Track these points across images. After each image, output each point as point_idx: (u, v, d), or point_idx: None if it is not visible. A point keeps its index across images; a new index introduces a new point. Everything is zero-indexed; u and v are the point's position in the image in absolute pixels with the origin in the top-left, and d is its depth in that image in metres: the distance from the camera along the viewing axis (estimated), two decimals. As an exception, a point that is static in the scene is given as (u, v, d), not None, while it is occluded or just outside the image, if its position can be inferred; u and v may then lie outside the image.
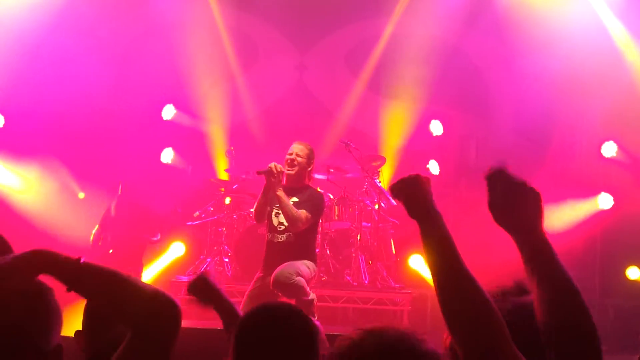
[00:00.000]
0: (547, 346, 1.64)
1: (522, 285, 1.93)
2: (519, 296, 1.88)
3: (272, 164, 6.03)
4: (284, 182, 6.39)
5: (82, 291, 1.65)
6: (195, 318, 7.48)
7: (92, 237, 7.87)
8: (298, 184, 6.22)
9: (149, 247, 8.43)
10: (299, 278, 5.94)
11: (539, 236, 1.66)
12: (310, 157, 6.22)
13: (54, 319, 1.57)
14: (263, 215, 6.19)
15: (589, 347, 1.65)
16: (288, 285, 5.90)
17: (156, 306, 1.66)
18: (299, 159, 6.17)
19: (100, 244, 7.85)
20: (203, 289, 3.01)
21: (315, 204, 6.21)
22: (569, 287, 1.66)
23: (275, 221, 6.20)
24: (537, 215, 1.67)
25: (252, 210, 8.40)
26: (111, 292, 1.66)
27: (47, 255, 1.61)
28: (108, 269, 1.67)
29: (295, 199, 6.15)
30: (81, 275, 1.63)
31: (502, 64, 9.27)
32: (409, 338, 1.51)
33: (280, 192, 6.03)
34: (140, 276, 7.85)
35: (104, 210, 8.05)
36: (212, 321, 4.65)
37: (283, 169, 6.09)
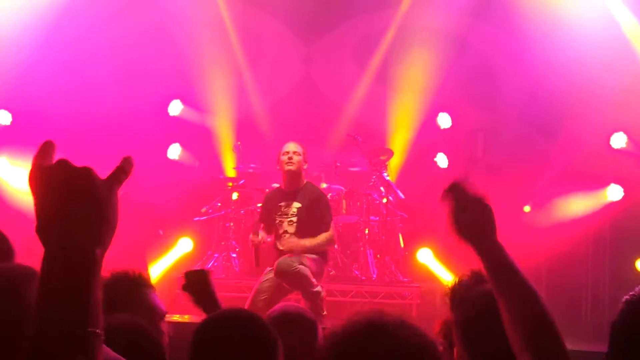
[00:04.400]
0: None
1: (479, 275, 2.08)
2: (480, 285, 2.06)
3: (251, 240, 6.24)
4: (283, 186, 6.41)
5: None
6: (197, 313, 7.51)
7: None
8: (297, 184, 6.25)
9: (154, 243, 8.44)
10: (302, 266, 5.91)
11: (496, 245, 1.78)
12: (305, 155, 6.30)
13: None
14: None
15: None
16: (290, 273, 5.88)
17: None
18: (296, 156, 6.20)
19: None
20: (199, 287, 2.87)
21: (324, 212, 6.25)
22: (529, 295, 1.75)
23: (280, 230, 6.24)
24: (492, 227, 1.80)
25: (259, 205, 8.45)
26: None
27: None
28: None
29: (298, 205, 6.17)
30: None
31: (510, 55, 9.20)
32: (404, 330, 1.37)
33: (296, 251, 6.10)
34: (146, 272, 7.85)
35: None
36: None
37: (264, 239, 6.17)
